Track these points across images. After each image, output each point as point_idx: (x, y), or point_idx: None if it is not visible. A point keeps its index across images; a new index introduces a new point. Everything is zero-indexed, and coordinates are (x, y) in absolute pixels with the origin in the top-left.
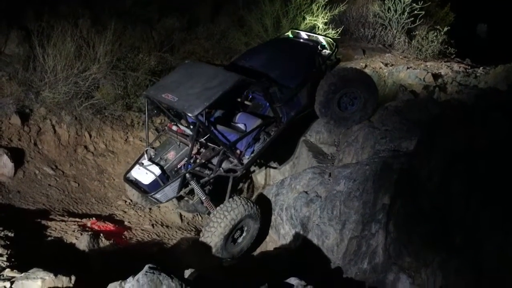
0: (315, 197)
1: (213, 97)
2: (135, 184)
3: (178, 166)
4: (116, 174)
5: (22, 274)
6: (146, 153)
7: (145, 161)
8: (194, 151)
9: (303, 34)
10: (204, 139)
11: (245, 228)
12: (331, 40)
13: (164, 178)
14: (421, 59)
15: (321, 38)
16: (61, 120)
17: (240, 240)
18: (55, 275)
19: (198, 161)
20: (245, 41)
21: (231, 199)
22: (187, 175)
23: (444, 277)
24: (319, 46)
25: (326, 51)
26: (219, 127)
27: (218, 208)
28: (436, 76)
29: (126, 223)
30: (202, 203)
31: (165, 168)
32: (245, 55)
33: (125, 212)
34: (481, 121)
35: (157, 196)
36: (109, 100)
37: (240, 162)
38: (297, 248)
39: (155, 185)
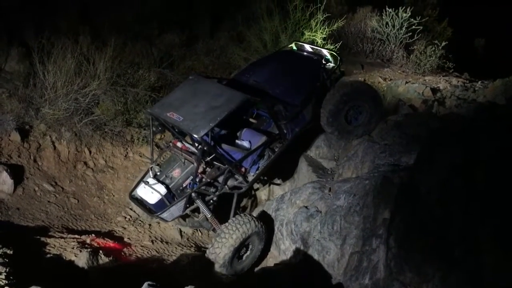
0: (315, 212)
1: (218, 117)
2: (141, 202)
3: (184, 185)
4: (115, 190)
5: None
6: (151, 170)
7: (151, 180)
8: (200, 170)
9: (307, 47)
10: (210, 159)
11: (250, 246)
12: (334, 53)
13: (170, 197)
14: (420, 74)
15: (325, 51)
16: (61, 136)
17: (244, 257)
18: None
19: (204, 180)
20: (244, 56)
21: (242, 215)
22: (193, 194)
23: None
24: (323, 60)
25: (330, 65)
26: (224, 146)
27: (230, 220)
28: (434, 90)
29: (125, 239)
30: (207, 220)
31: (170, 186)
32: (248, 69)
33: (124, 228)
34: (480, 135)
35: (163, 215)
36: (109, 116)
37: (245, 180)
38: (297, 264)
39: (161, 205)
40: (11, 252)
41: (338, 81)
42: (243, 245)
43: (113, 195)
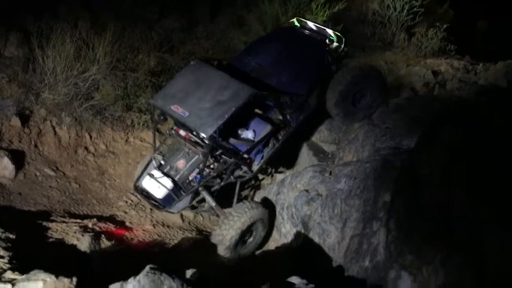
0: (315, 196)
1: (226, 115)
2: (146, 195)
3: (190, 178)
4: (116, 175)
5: (23, 276)
6: (155, 160)
7: (156, 172)
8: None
9: (310, 24)
10: (217, 154)
11: (254, 233)
12: (338, 33)
13: (177, 190)
14: (421, 57)
15: (329, 31)
16: (61, 121)
17: (247, 243)
18: (57, 276)
19: (211, 174)
20: (244, 40)
21: (250, 200)
22: (200, 188)
23: (446, 275)
24: (327, 40)
25: (334, 45)
26: (230, 140)
27: (239, 204)
28: (436, 73)
29: (127, 223)
30: (212, 209)
31: (176, 179)
32: (250, 49)
33: (126, 212)
34: (481, 117)
35: (170, 209)
36: (109, 101)
37: (250, 170)
38: (298, 247)
39: (168, 199)
40: (14, 237)
41: (343, 62)
42: (249, 230)
43: (114, 180)
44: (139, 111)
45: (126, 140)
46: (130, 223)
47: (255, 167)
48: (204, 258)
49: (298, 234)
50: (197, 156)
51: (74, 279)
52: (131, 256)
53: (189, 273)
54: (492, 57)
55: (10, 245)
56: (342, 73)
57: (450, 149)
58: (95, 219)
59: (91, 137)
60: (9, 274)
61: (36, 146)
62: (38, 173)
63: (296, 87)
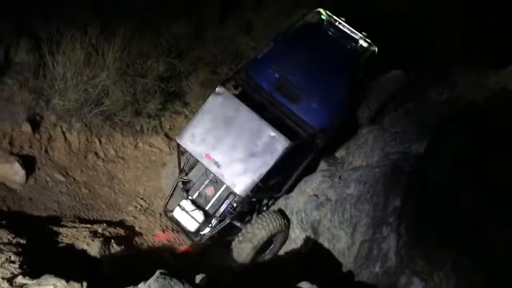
0: (325, 201)
1: (261, 172)
2: (177, 223)
3: (221, 210)
4: (126, 180)
5: (34, 281)
6: (182, 184)
7: (186, 204)
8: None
9: (338, 25)
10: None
11: (273, 244)
12: (369, 41)
13: (207, 222)
14: None
15: (358, 36)
16: (72, 127)
17: (266, 252)
18: (67, 281)
19: (242, 209)
20: (252, 45)
21: (272, 212)
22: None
23: (458, 280)
24: (358, 47)
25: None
26: None
27: (263, 213)
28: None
29: (137, 228)
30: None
31: (207, 208)
32: (273, 56)
33: (135, 217)
34: (491, 121)
35: (199, 238)
36: (118, 106)
37: (278, 192)
38: (308, 252)
39: (199, 229)
40: (24, 242)
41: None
42: (270, 240)
43: (124, 185)
44: (148, 117)
45: (135, 146)
46: (140, 228)
47: (283, 190)
48: (213, 264)
49: (307, 239)
50: (225, 185)
51: (85, 284)
52: (141, 261)
53: (198, 278)
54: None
55: (21, 250)
56: (379, 90)
57: (458, 153)
58: (105, 224)
59: (100, 142)
60: (20, 279)
61: (46, 151)
62: (48, 179)
63: (330, 115)
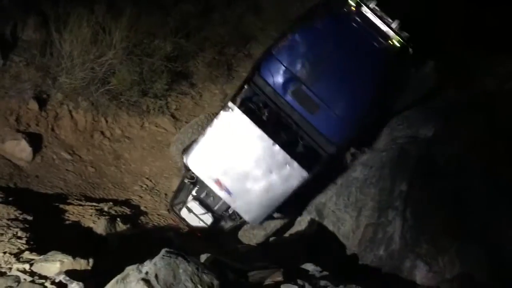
0: (331, 184)
1: (275, 204)
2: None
3: (230, 212)
4: (132, 160)
5: (41, 257)
6: (187, 182)
7: (195, 206)
8: None
9: (368, 13)
10: None
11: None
12: (404, 42)
13: (215, 223)
14: None
15: (393, 33)
16: (78, 105)
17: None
18: (74, 257)
19: None
20: (260, 26)
21: None
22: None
23: (462, 265)
24: (392, 47)
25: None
26: None
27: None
28: None
29: (142, 208)
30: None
31: (215, 209)
32: (289, 52)
33: (141, 197)
34: (500, 105)
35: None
36: (125, 86)
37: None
38: (312, 235)
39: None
40: (31, 218)
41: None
42: None
43: (130, 165)
44: (155, 97)
45: (142, 125)
46: (145, 207)
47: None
48: (217, 244)
49: (312, 222)
50: None
51: (91, 261)
52: (146, 240)
53: (203, 257)
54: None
55: (27, 226)
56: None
57: (467, 139)
58: (111, 203)
59: (107, 121)
60: (27, 255)
61: (53, 129)
62: (55, 157)
63: (346, 129)
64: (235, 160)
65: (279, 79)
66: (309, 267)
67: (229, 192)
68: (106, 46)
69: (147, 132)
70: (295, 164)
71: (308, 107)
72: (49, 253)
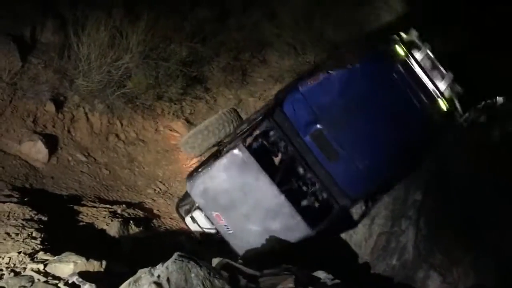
0: None
1: (273, 251)
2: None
3: None
4: (146, 163)
5: (55, 257)
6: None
7: (199, 217)
8: None
9: (420, 70)
10: None
11: None
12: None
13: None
14: None
15: (443, 84)
16: (94, 108)
17: None
18: (87, 259)
19: None
20: (276, 33)
21: None
22: None
23: (476, 276)
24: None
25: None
26: None
27: None
28: None
29: (155, 211)
30: None
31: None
32: (316, 93)
33: (154, 200)
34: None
35: None
36: (140, 89)
37: None
38: (323, 242)
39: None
40: (46, 219)
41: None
42: None
43: (144, 168)
44: (170, 101)
45: (156, 129)
46: (158, 210)
47: None
48: (228, 249)
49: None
50: None
51: (104, 262)
52: (158, 243)
53: (215, 261)
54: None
55: (42, 227)
56: None
57: (482, 150)
58: (124, 205)
59: (122, 124)
60: (41, 255)
61: (69, 131)
62: (70, 158)
63: (362, 185)
64: (238, 200)
65: (302, 118)
66: (321, 274)
67: (227, 229)
68: (123, 49)
69: (161, 136)
70: (300, 219)
71: (328, 154)
72: (63, 254)
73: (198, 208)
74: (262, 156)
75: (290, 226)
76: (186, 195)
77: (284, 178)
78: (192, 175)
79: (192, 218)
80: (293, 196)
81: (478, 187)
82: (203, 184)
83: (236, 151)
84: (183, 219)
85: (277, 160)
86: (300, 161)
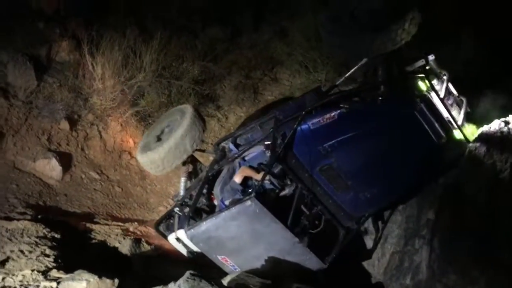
0: None
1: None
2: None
3: None
4: (157, 181)
5: (68, 275)
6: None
7: (183, 237)
8: None
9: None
10: None
11: None
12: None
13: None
14: None
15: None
16: (107, 126)
17: None
18: (100, 277)
19: None
20: (287, 51)
21: None
22: None
23: None
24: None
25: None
26: None
27: None
28: None
29: None
30: None
31: None
32: (337, 133)
33: None
34: None
35: None
36: (153, 107)
37: None
38: (336, 261)
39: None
40: (59, 236)
41: None
42: None
43: (155, 185)
44: None
45: None
46: None
47: None
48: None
49: None
50: None
51: (116, 281)
52: (170, 261)
53: (227, 280)
54: None
55: (55, 244)
56: None
57: (498, 167)
58: (136, 223)
59: (135, 142)
60: (54, 273)
61: (82, 149)
62: (83, 176)
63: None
64: (248, 244)
65: (311, 154)
66: None
67: (234, 268)
68: (136, 68)
69: None
70: (313, 256)
71: (337, 186)
72: (76, 272)
73: (181, 228)
74: (270, 197)
75: (304, 261)
76: (166, 216)
77: (294, 217)
78: (188, 223)
79: (178, 239)
80: (304, 233)
81: (496, 207)
82: (208, 233)
83: (249, 203)
84: (166, 237)
85: (284, 194)
86: (309, 195)
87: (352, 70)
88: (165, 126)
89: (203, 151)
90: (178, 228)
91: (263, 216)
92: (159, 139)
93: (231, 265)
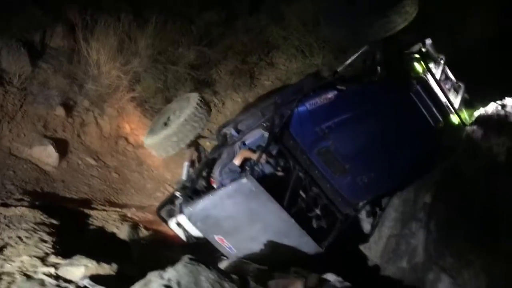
0: None
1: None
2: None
3: None
4: (154, 166)
5: (66, 261)
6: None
7: (185, 222)
8: None
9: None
10: None
11: None
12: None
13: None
14: None
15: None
16: (104, 112)
17: None
18: (98, 262)
19: None
20: (283, 35)
21: None
22: None
23: (487, 278)
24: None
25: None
26: None
27: None
28: None
29: None
30: None
31: None
32: (335, 114)
33: None
34: None
35: None
36: (149, 93)
37: None
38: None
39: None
40: (56, 222)
41: None
42: None
43: (152, 171)
44: None
45: None
46: None
47: None
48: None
49: None
50: None
51: (114, 266)
52: (168, 246)
53: (224, 264)
54: None
55: (53, 230)
56: None
57: (497, 151)
58: (133, 209)
59: (131, 128)
60: (52, 258)
61: (79, 135)
62: (80, 162)
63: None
64: (244, 224)
65: (308, 136)
66: (330, 277)
67: (231, 249)
68: (131, 54)
69: None
70: (309, 238)
71: (334, 169)
72: (74, 257)
73: (183, 212)
74: (267, 177)
75: (299, 244)
76: (168, 201)
77: (291, 198)
78: (187, 201)
79: (178, 224)
80: (301, 215)
81: (495, 191)
82: (205, 212)
83: (244, 180)
84: (166, 222)
85: (281, 175)
86: (306, 178)
87: (352, 57)
88: (171, 113)
89: (206, 138)
90: (179, 213)
91: (259, 194)
92: (165, 124)
93: (228, 246)
